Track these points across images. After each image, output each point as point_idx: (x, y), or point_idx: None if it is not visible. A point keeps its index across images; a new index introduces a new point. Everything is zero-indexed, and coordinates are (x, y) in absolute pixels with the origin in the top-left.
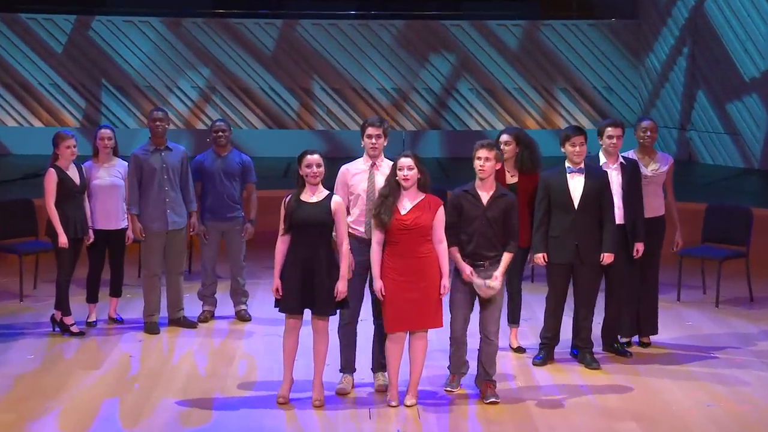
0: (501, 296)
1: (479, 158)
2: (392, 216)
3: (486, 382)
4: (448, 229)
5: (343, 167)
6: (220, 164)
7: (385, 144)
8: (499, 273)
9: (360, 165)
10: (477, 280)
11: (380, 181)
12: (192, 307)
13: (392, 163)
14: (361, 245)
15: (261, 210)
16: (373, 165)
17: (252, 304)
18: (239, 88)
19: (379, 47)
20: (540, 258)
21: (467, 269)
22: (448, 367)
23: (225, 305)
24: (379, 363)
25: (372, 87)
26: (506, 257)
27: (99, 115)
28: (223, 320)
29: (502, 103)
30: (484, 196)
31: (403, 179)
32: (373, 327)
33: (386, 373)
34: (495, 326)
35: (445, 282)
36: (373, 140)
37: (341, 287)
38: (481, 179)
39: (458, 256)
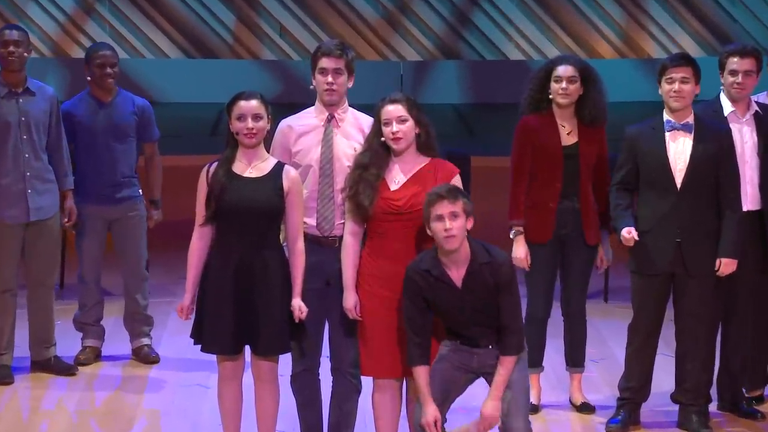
0: (523, 376)
1: (438, 217)
2: (376, 196)
3: None
4: (408, 327)
5: (284, 123)
6: (104, 116)
7: (350, 85)
8: (492, 400)
9: (310, 119)
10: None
11: (342, 144)
12: (66, 342)
13: (365, 116)
14: (315, 247)
15: (178, 186)
16: (330, 119)
17: (160, 337)
18: None
19: None
20: (630, 233)
21: (431, 416)
22: None
23: (117, 338)
24: None
25: None
26: (503, 368)
27: None
28: (115, 362)
29: (558, 18)
30: (456, 275)
31: (392, 138)
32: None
33: None
34: (521, 422)
35: None
36: (329, 78)
37: (297, 305)
38: (447, 251)
39: (423, 384)
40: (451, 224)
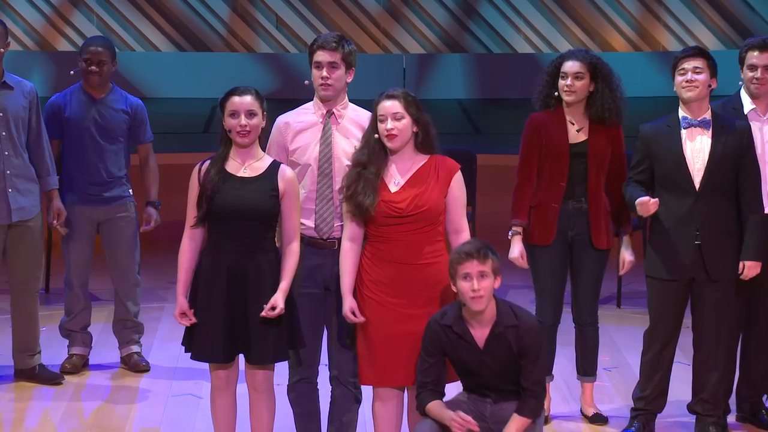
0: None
1: (466, 276)
2: (377, 197)
3: None
4: (422, 380)
5: (281, 119)
6: (95, 113)
7: (349, 80)
8: None
9: (308, 115)
10: None
11: (342, 143)
12: (52, 349)
13: (366, 112)
14: (312, 250)
15: (169, 185)
16: (329, 115)
17: (150, 344)
18: None
19: None
20: (648, 200)
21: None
22: None
23: (105, 345)
24: None
25: None
26: (515, 426)
27: None
28: (103, 370)
29: (568, 9)
30: (479, 334)
31: (386, 135)
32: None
33: None
34: None
35: None
36: (324, 72)
37: (276, 301)
38: (475, 311)
39: (441, 409)
40: (479, 285)
